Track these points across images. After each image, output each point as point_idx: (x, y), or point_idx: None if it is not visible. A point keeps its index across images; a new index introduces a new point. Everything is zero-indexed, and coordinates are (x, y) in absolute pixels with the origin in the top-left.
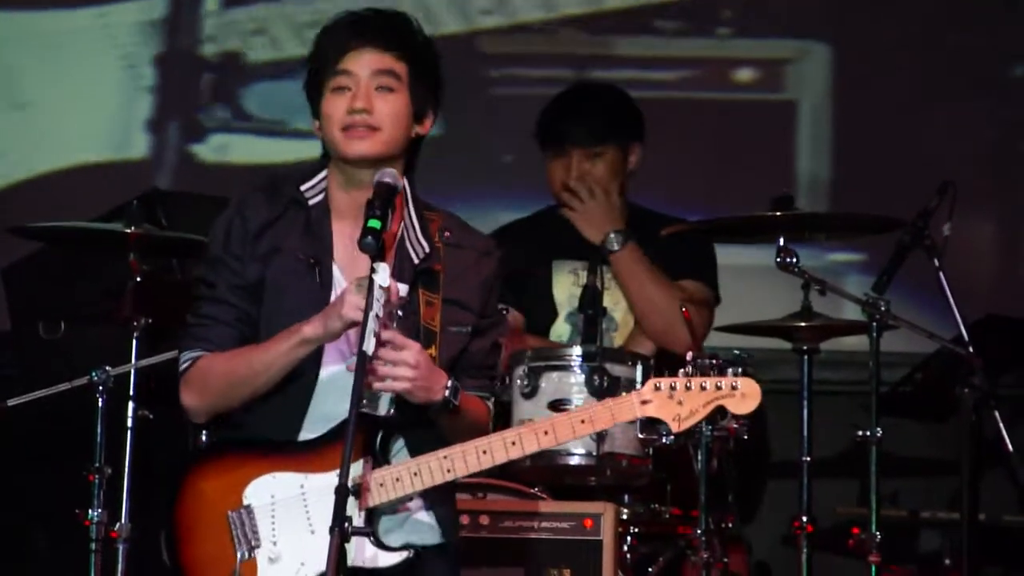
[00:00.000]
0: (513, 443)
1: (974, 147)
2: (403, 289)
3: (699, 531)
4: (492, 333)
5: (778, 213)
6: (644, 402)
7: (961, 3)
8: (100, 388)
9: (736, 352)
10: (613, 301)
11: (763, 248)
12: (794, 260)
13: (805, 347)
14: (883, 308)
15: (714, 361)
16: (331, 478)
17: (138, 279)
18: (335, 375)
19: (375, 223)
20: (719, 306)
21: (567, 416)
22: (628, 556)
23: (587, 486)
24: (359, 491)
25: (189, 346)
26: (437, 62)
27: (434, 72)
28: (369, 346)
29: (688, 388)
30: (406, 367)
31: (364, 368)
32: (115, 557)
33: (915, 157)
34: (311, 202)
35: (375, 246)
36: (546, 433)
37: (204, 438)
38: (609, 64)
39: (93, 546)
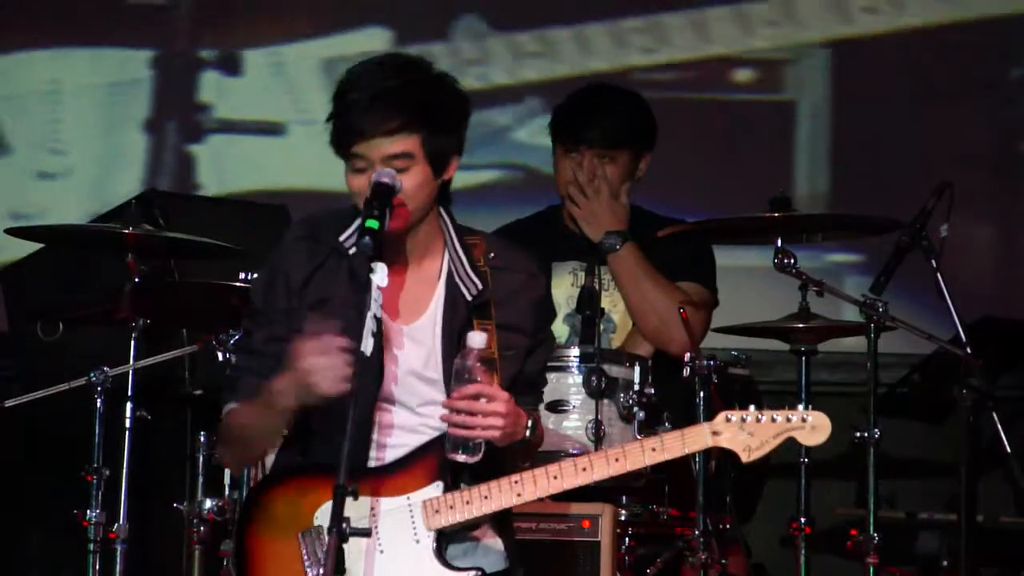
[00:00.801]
0: (584, 469)
1: (972, 148)
2: (481, 339)
3: (697, 532)
4: (543, 352)
5: (776, 214)
6: (715, 433)
7: (960, 4)
8: (98, 389)
9: (734, 353)
10: (611, 303)
11: (761, 249)
12: (792, 261)
13: (803, 348)
14: (881, 309)
15: (712, 362)
16: (401, 501)
17: (136, 280)
18: (394, 413)
19: (372, 223)
20: (717, 307)
21: (639, 443)
22: (626, 557)
23: (585, 487)
24: (356, 493)
25: (224, 398)
26: (455, 114)
27: (452, 126)
28: (367, 347)
29: (759, 420)
30: (498, 417)
31: (364, 368)
32: (113, 558)
33: (913, 158)
34: (351, 251)
35: (371, 246)
36: (617, 460)
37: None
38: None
39: (91, 547)
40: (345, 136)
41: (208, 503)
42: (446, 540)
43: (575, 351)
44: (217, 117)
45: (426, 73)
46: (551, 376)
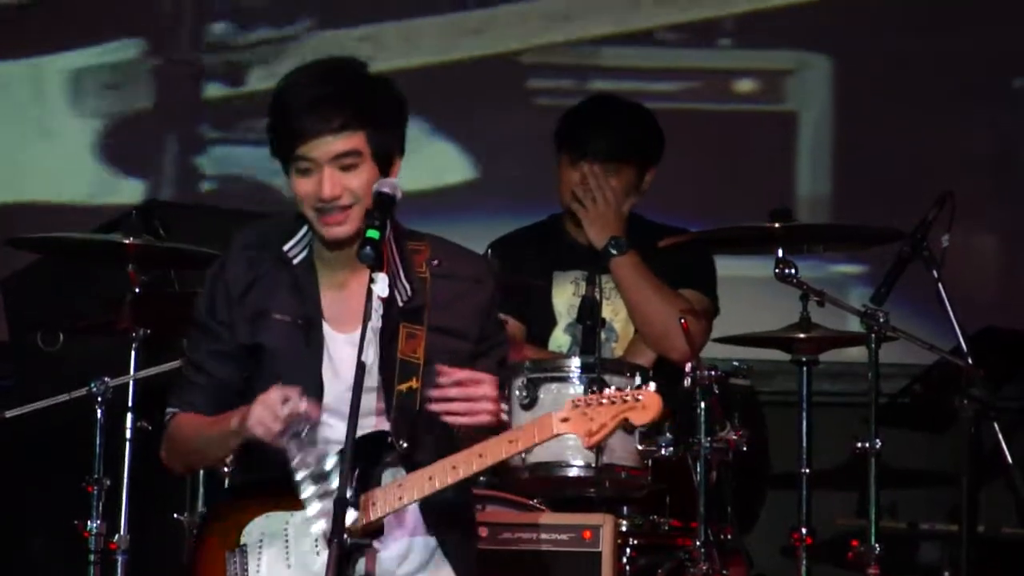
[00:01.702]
0: (453, 467)
1: (974, 158)
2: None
3: (698, 543)
4: (496, 353)
5: (777, 225)
6: (564, 420)
7: (961, 14)
8: (99, 399)
9: (735, 363)
10: (613, 311)
11: (762, 259)
12: (793, 271)
13: (804, 358)
14: (882, 319)
15: (713, 372)
16: (308, 513)
17: (136, 290)
18: (333, 424)
19: (373, 233)
20: (718, 317)
21: (500, 438)
22: (627, 568)
23: (586, 498)
24: (359, 503)
25: (171, 401)
26: (395, 113)
27: (394, 124)
28: (367, 357)
29: (601, 403)
30: (488, 401)
31: (363, 378)
32: (114, 568)
33: (915, 168)
34: (295, 260)
35: (373, 256)
36: (480, 456)
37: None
38: (610, 75)
39: (92, 557)
40: (288, 139)
41: None
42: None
43: (576, 361)
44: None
45: (364, 73)
46: (552, 386)
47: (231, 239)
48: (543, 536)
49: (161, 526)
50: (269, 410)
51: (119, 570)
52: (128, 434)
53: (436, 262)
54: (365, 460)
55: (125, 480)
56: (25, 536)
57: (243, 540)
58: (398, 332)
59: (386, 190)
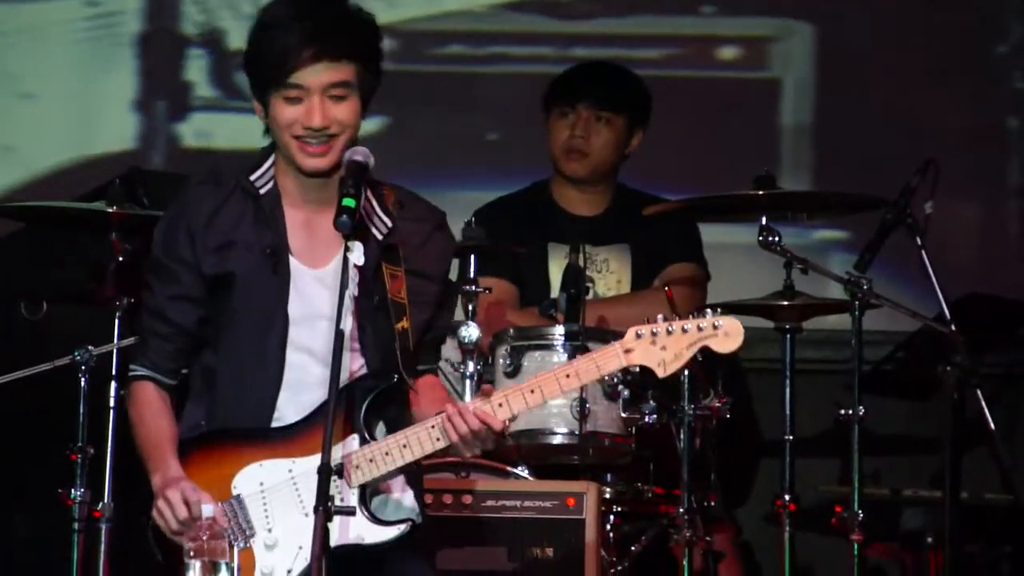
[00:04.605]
0: (500, 404)
1: (957, 125)
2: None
3: (682, 510)
4: (450, 305)
5: (760, 192)
6: (628, 351)
7: None
8: (82, 368)
9: None
10: (605, 286)
11: (746, 227)
12: (776, 239)
13: (787, 326)
14: (865, 287)
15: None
16: (318, 459)
17: (120, 259)
18: (303, 363)
19: (349, 201)
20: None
21: (552, 373)
22: (611, 535)
23: (570, 465)
24: (343, 470)
25: (135, 358)
26: (379, 49)
27: (378, 60)
28: (345, 325)
29: (670, 332)
30: (493, 440)
31: (342, 346)
32: (98, 536)
33: (898, 135)
34: (262, 191)
35: (350, 225)
36: (532, 392)
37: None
38: (593, 42)
39: (76, 526)
40: (280, 65)
41: None
42: (371, 494)
43: (560, 329)
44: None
45: (353, 7)
46: (536, 355)
47: (183, 185)
48: (527, 503)
49: (145, 494)
50: (170, 510)
51: (103, 538)
52: (111, 403)
53: (401, 205)
54: (366, 405)
55: (109, 448)
56: (8, 505)
57: (235, 490)
58: (382, 270)
59: (359, 158)
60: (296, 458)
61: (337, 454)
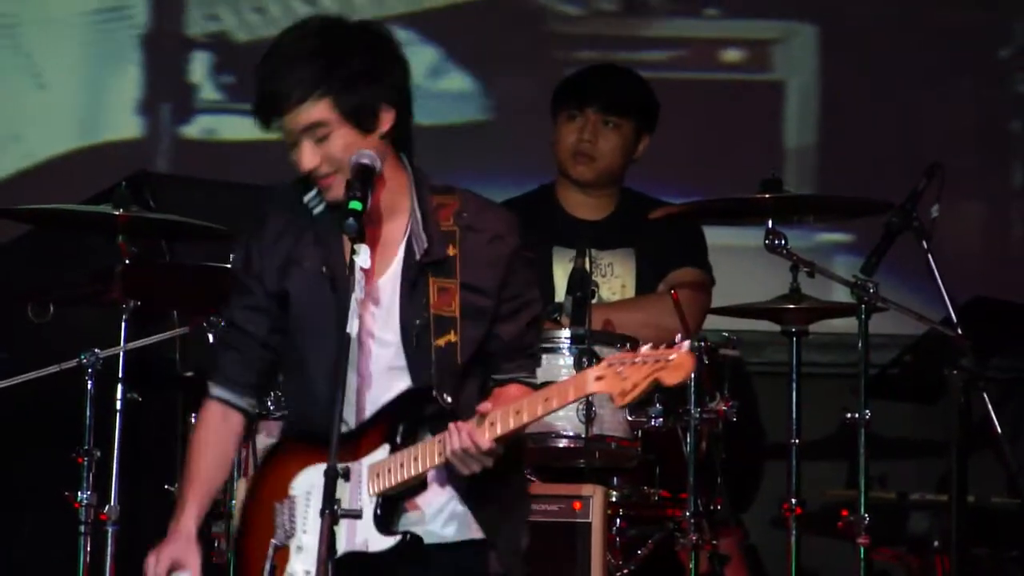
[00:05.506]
0: (492, 424)
1: (962, 128)
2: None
3: (688, 513)
4: (523, 315)
5: (767, 195)
6: (599, 378)
7: None
8: (89, 370)
9: (725, 334)
10: (610, 289)
11: (752, 230)
12: (783, 242)
13: (794, 329)
14: (872, 290)
15: (702, 344)
16: (356, 465)
17: (127, 261)
18: (379, 360)
19: (356, 205)
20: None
21: (537, 395)
22: (617, 539)
23: (576, 469)
24: (348, 474)
25: (212, 376)
26: (371, 64)
27: (369, 77)
28: (353, 328)
29: (634, 363)
30: (489, 460)
31: (347, 349)
32: (104, 539)
33: (903, 138)
34: (315, 211)
35: (356, 227)
36: (518, 412)
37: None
38: (598, 44)
39: (82, 528)
40: (262, 116)
41: None
42: (391, 504)
43: (565, 332)
44: (211, 97)
45: (330, 32)
46: (542, 358)
47: (266, 196)
48: (533, 507)
49: (152, 497)
50: (151, 571)
51: (109, 541)
52: (118, 405)
53: (465, 214)
54: (407, 418)
55: (116, 451)
56: (16, 508)
57: (292, 491)
58: (419, 285)
59: (365, 161)
60: (340, 463)
61: (368, 461)
